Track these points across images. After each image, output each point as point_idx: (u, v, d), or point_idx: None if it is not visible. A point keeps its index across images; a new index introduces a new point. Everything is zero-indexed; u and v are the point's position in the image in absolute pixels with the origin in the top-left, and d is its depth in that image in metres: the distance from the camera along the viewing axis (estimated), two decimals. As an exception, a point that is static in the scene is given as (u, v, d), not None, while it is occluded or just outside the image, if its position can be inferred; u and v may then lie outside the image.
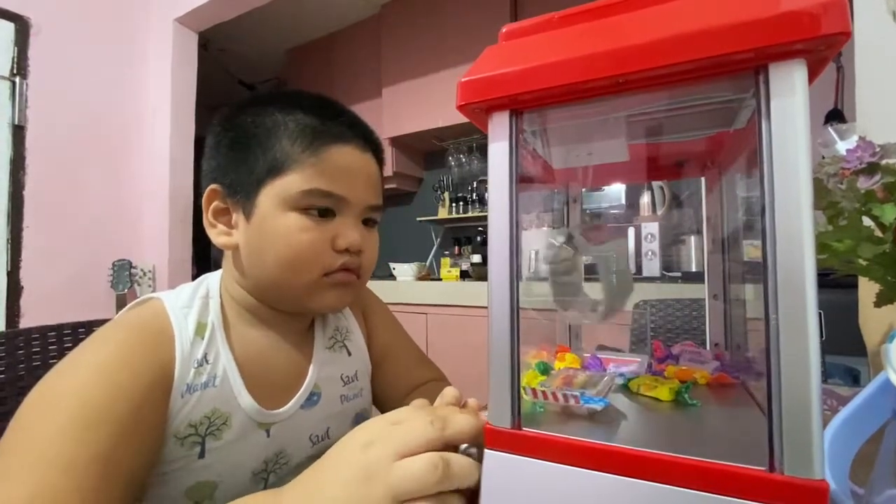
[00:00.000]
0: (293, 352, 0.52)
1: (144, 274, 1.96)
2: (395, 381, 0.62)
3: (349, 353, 0.57)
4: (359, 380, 0.57)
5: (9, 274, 1.66)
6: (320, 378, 0.53)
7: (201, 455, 0.43)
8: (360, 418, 0.56)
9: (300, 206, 0.45)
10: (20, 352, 0.69)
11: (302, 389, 0.51)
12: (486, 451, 0.28)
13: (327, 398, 0.53)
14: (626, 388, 0.37)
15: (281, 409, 0.48)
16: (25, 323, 1.68)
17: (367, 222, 0.51)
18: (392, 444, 0.28)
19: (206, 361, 0.45)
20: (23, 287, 1.69)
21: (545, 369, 0.39)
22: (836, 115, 1.66)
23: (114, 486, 0.36)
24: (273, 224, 0.45)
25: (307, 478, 0.30)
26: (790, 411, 0.22)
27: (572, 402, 0.30)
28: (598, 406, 0.29)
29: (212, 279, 0.52)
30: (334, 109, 0.49)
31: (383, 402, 0.62)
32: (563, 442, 0.26)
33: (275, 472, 0.48)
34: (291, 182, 0.45)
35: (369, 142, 0.51)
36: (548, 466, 0.26)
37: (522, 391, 0.32)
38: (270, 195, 0.45)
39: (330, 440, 0.51)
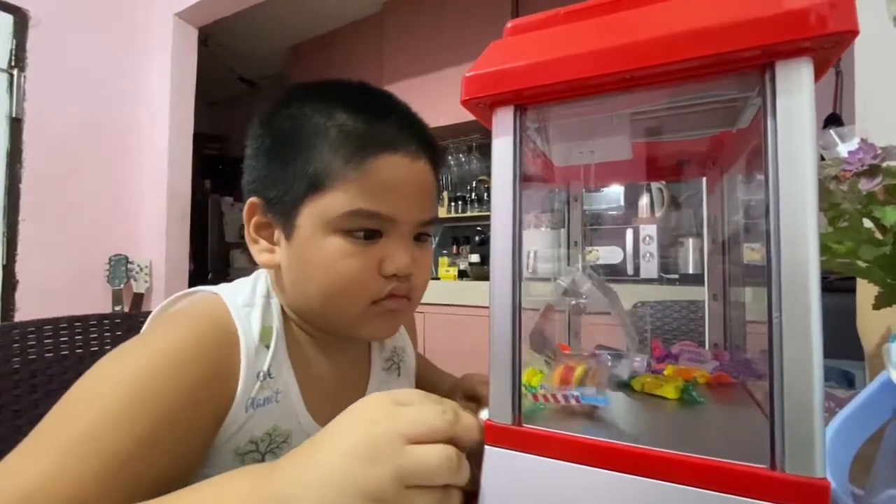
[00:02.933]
0: (349, 372, 0.50)
1: (141, 269, 1.95)
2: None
3: (399, 374, 0.56)
4: None
5: (4, 267, 1.65)
6: None
7: None
8: None
9: (343, 229, 0.41)
10: (15, 345, 0.68)
11: None
12: (486, 447, 0.28)
13: None
14: (628, 387, 0.37)
15: None
16: (20, 317, 1.67)
17: (418, 237, 0.46)
18: (398, 425, 0.26)
19: (270, 376, 0.42)
20: (18, 281, 1.68)
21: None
22: (834, 120, 1.67)
23: (139, 486, 0.33)
24: (314, 248, 0.41)
25: (302, 451, 0.28)
26: (792, 410, 0.22)
27: (573, 402, 0.30)
28: (599, 404, 0.29)
29: (267, 278, 0.48)
30: (382, 107, 0.43)
31: None
32: (564, 439, 0.26)
33: None
34: (334, 201, 0.40)
35: (423, 145, 0.44)
36: (549, 463, 0.26)
37: (524, 389, 0.32)
38: (311, 215, 0.41)
39: None
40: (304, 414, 0.44)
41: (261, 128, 0.45)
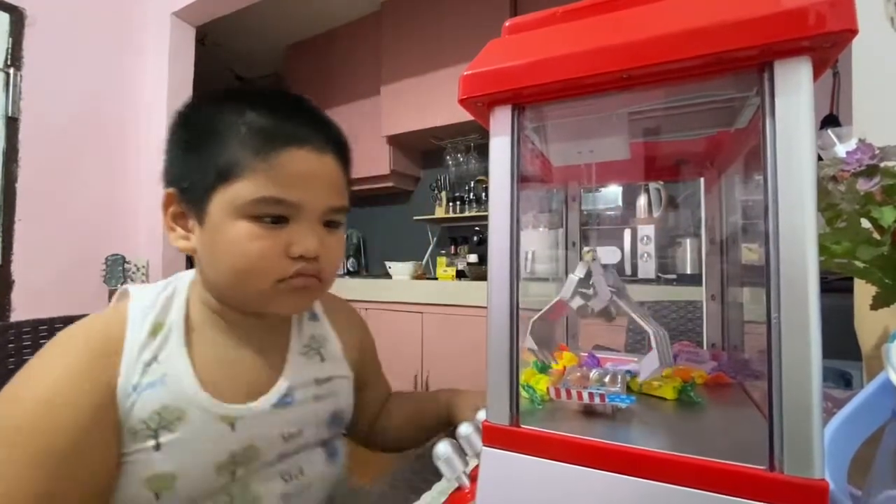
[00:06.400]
0: (263, 354, 0.52)
1: (138, 269, 1.94)
2: (370, 401, 0.67)
3: (322, 359, 0.58)
4: (333, 382, 0.57)
5: (0, 267, 1.64)
6: (294, 381, 0.53)
7: (157, 448, 0.44)
8: (335, 417, 0.57)
9: (251, 215, 0.44)
10: (10, 345, 0.68)
11: (274, 390, 0.51)
12: (483, 447, 0.28)
13: (301, 399, 0.53)
14: (627, 387, 0.37)
15: (248, 406, 0.48)
16: (16, 317, 1.66)
17: (331, 224, 0.50)
18: None
19: (156, 361, 0.45)
20: (14, 281, 1.67)
21: (543, 367, 0.39)
22: (831, 121, 1.67)
23: (79, 483, 0.39)
24: (224, 232, 0.44)
25: None
26: (790, 411, 0.22)
27: (597, 400, 0.29)
28: (623, 404, 0.29)
29: (183, 278, 0.53)
30: (290, 108, 0.47)
31: (357, 415, 0.64)
32: (562, 440, 0.26)
33: (244, 466, 0.47)
34: (242, 190, 0.44)
35: (330, 141, 0.48)
36: (546, 464, 0.26)
37: (544, 391, 0.32)
38: (221, 202, 0.44)
39: (302, 437, 0.52)
40: (199, 392, 0.46)
41: (178, 124, 0.48)
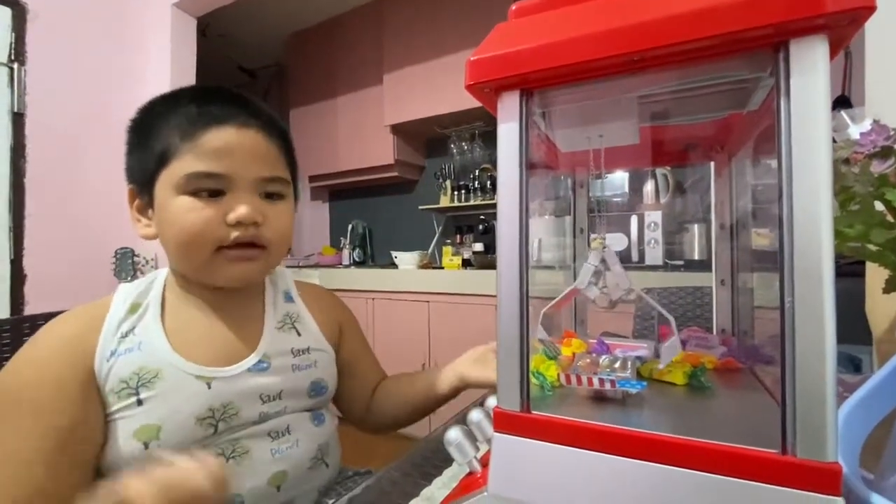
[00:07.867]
0: (239, 327, 0.58)
1: (147, 262, 1.96)
2: (362, 381, 0.72)
3: (298, 334, 0.63)
4: (311, 354, 0.62)
5: (12, 262, 1.66)
6: (270, 350, 0.58)
7: (139, 403, 0.49)
8: (316, 386, 0.61)
9: (188, 190, 0.50)
10: (25, 338, 0.69)
11: (250, 357, 0.56)
12: (494, 433, 0.28)
13: (278, 367, 0.58)
14: (637, 373, 0.37)
15: (224, 368, 0.54)
16: (30, 311, 1.68)
17: (272, 196, 0.55)
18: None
19: (133, 332, 0.52)
20: (26, 275, 1.70)
21: (552, 355, 0.39)
22: (843, 102, 1.64)
23: (66, 472, 0.45)
24: (168, 209, 0.50)
25: None
26: (804, 395, 0.22)
27: (608, 386, 0.29)
28: (634, 389, 0.29)
29: (164, 269, 0.61)
30: (214, 94, 0.53)
31: (351, 396, 0.71)
32: (573, 425, 0.26)
33: (224, 421, 0.52)
34: (175, 169, 0.49)
35: (254, 117, 0.53)
36: (557, 449, 0.26)
37: (554, 377, 0.32)
38: (163, 184, 0.51)
39: (281, 400, 0.56)
40: (173, 355, 0.52)
41: (129, 130, 0.55)
